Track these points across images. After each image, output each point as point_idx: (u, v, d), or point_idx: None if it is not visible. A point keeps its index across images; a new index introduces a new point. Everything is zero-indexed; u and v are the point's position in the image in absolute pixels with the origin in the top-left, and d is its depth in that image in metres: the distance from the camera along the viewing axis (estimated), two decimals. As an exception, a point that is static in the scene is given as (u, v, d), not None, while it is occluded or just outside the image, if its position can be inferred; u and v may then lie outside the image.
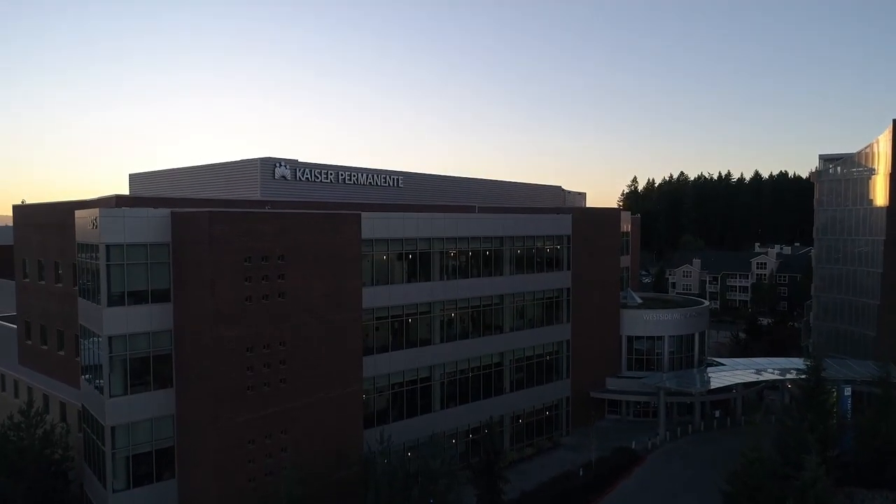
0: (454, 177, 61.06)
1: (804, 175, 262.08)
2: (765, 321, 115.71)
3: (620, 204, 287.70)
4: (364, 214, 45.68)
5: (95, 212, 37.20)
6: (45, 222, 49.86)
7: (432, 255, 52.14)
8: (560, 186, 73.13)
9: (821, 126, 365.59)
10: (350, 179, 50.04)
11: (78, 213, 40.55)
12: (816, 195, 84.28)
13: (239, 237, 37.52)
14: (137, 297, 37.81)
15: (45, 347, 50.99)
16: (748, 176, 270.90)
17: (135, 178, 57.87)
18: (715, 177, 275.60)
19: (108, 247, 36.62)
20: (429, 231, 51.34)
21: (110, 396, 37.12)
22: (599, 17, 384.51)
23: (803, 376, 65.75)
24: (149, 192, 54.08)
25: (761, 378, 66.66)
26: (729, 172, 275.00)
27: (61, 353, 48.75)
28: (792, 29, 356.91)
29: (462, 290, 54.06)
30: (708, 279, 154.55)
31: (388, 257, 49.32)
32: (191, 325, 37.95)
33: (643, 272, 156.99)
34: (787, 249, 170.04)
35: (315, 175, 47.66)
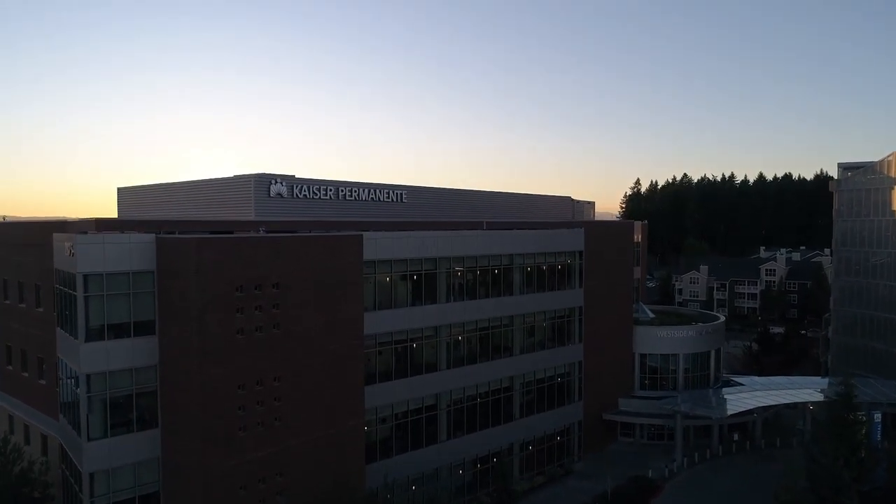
0: (460, 189, 57.98)
1: (809, 177, 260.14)
2: (775, 330, 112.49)
3: (623, 206, 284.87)
4: (366, 235, 42.58)
5: (73, 237, 34.02)
6: (24, 242, 46.63)
7: (438, 275, 49.05)
8: (569, 197, 70.03)
9: (825, 127, 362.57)
10: (351, 195, 46.88)
11: (56, 237, 37.34)
12: (835, 205, 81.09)
13: (229, 265, 34.35)
14: (119, 331, 34.59)
15: (25, 375, 47.80)
16: (752, 178, 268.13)
17: (123, 193, 54.68)
18: (718, 178, 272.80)
19: (85, 276, 33.42)
20: (434, 250, 48.23)
21: (88, 440, 33.93)
22: (602, 17, 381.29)
23: (826, 398, 62.89)
24: (137, 207, 50.96)
25: (783, 401, 63.37)
26: (732, 174, 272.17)
27: (42, 381, 45.52)
28: (798, 30, 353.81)
29: (469, 311, 50.94)
30: (716, 286, 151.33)
31: (391, 279, 46.20)
32: (177, 361, 34.77)
33: (647, 276, 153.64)
34: (796, 255, 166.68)
35: (313, 192, 44.53)
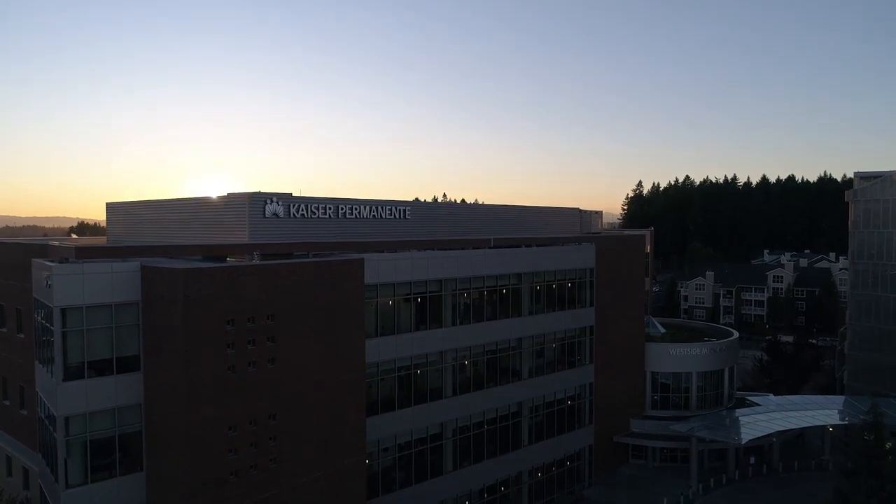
0: (465, 204, 55.36)
1: (812, 179, 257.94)
2: (784, 339, 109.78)
3: (624, 208, 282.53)
4: (367, 257, 39.92)
5: (50, 267, 31.31)
6: (5, 262, 43.96)
7: (444, 297, 46.43)
8: (577, 209, 67.24)
9: (828, 129, 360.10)
10: (352, 213, 44.13)
11: (34, 264, 34.69)
12: (851, 216, 78.46)
13: (220, 297, 31.64)
14: (100, 368, 31.93)
15: (7, 403, 45.14)
16: (755, 180, 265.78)
17: (112, 208, 51.91)
18: (721, 180, 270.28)
19: (63, 310, 30.75)
20: (440, 271, 45.63)
21: (67, 487, 31.23)
22: (604, 19, 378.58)
23: (846, 421, 60.36)
24: (126, 224, 48.17)
25: (802, 424, 60.70)
26: (735, 176, 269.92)
27: (24, 411, 42.86)
28: (802, 31, 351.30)
29: (477, 335, 48.35)
30: (722, 292, 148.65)
31: (394, 302, 43.57)
32: (163, 401, 32.10)
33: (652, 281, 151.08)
34: (802, 261, 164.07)
35: (312, 210, 41.77)
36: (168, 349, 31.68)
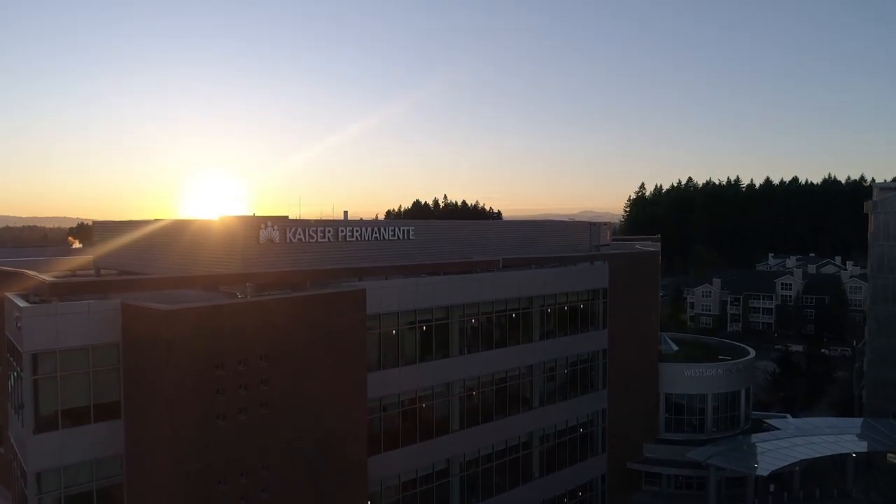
0: (472, 222, 52.53)
1: (816, 181, 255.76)
2: (794, 348, 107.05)
3: (627, 210, 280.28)
4: (369, 286, 37.16)
5: (21, 308, 28.42)
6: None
7: (451, 325, 43.61)
8: (588, 222, 64.47)
9: (832, 131, 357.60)
10: (352, 236, 41.22)
11: (7, 299, 31.82)
12: (871, 228, 75.65)
13: (207, 338, 28.83)
14: (76, 418, 29.11)
15: (-17, 439, 42.22)
16: (759, 182, 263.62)
17: (99, 227, 49.15)
18: (724, 182, 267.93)
19: (34, 356, 27.92)
20: (446, 297, 42.83)
21: (40, 549, 28.41)
22: (607, 19, 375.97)
23: (868, 448, 57.72)
24: (112, 246, 45.33)
25: (826, 452, 57.83)
26: (738, 178, 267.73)
27: (0, 450, 39.97)
28: (806, 32, 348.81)
29: (485, 363, 45.55)
30: (729, 300, 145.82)
31: (398, 332, 40.71)
32: (146, 452, 29.28)
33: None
34: (810, 267, 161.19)
35: (310, 235, 38.89)
36: (152, 395, 28.86)
